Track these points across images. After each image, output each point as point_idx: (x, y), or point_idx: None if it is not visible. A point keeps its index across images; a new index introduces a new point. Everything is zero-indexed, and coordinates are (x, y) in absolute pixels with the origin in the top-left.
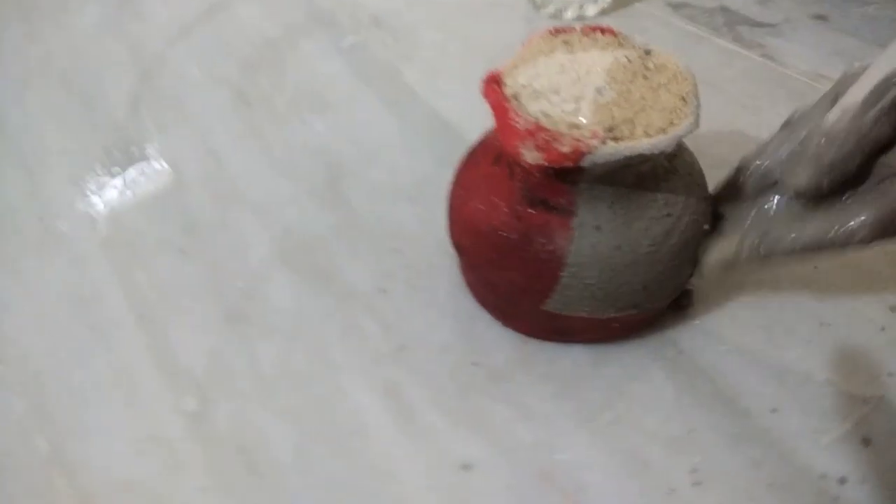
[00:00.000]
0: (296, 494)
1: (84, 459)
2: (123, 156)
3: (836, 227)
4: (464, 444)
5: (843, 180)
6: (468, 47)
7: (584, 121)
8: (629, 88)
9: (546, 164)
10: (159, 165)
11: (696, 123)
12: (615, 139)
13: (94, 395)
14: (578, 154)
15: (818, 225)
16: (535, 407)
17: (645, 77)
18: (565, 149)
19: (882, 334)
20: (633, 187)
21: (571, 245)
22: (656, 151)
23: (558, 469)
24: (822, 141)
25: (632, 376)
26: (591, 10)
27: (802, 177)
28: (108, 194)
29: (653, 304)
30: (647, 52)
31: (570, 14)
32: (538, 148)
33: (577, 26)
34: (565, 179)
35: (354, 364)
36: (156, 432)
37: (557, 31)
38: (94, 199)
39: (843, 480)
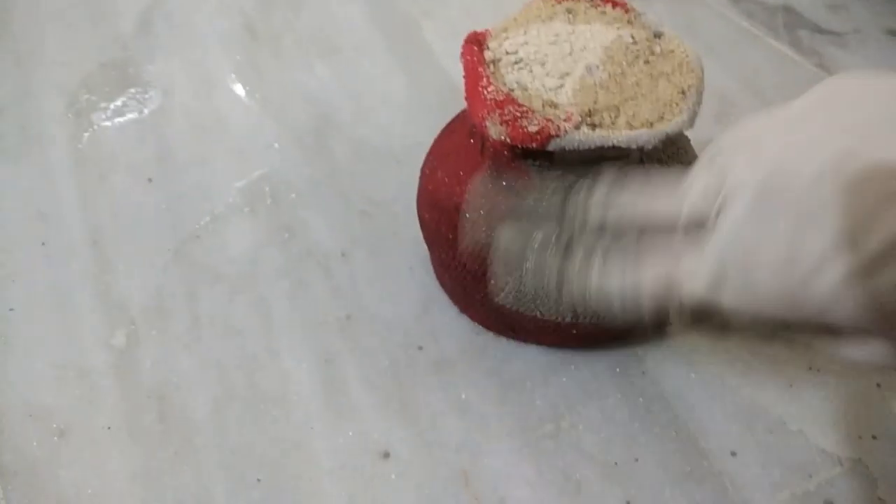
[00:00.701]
0: (201, 453)
1: (3, 377)
2: (119, 74)
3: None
4: (388, 431)
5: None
6: (497, 11)
7: (563, 101)
8: (625, 72)
9: (510, 142)
10: (151, 89)
11: (690, 122)
12: (592, 126)
13: (27, 310)
14: (545, 136)
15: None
16: (472, 404)
17: (647, 62)
18: (532, 128)
19: (876, 391)
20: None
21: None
22: (633, 146)
23: (480, 475)
24: None
25: (585, 390)
26: None
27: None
28: (93, 111)
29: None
30: (657, 35)
31: None
32: (504, 122)
33: None
34: (535, 163)
35: (295, 326)
36: (79, 362)
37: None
38: (79, 113)
39: None
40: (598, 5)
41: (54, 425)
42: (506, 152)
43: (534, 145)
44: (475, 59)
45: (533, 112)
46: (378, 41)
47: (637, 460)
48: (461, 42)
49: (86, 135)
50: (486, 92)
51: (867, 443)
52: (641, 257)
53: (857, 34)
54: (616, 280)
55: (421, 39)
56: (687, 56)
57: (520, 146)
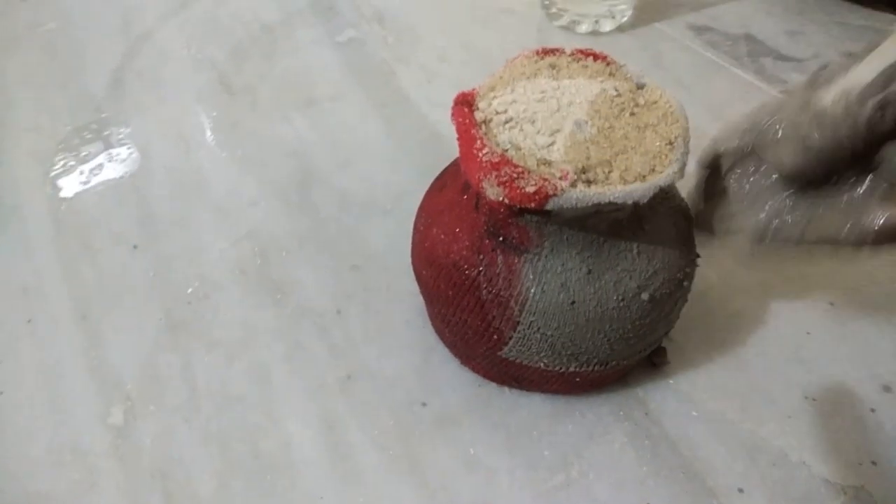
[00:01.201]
0: None
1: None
2: (94, 137)
3: (849, 225)
4: (398, 496)
5: (840, 168)
6: (470, 55)
7: (557, 158)
8: (612, 125)
9: (508, 202)
10: (128, 150)
11: (681, 173)
12: (587, 182)
13: (18, 393)
14: (543, 196)
15: (831, 219)
16: (481, 458)
17: (632, 114)
18: (530, 188)
19: (871, 416)
20: (607, 235)
21: (533, 291)
22: (629, 201)
23: None
24: (813, 122)
25: (591, 435)
26: (607, 26)
27: (787, 158)
28: (70, 177)
29: (619, 363)
30: (640, 87)
31: (584, 28)
32: (501, 184)
33: (568, 49)
34: (532, 219)
35: (295, 390)
36: (77, 444)
37: (545, 52)
38: (55, 179)
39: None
40: (580, 59)
41: None
42: (502, 209)
43: (532, 206)
44: (467, 120)
45: (529, 172)
46: (354, 89)
47: None
48: (435, 87)
49: (64, 202)
50: (480, 154)
51: (867, 469)
52: None
53: (817, 58)
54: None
55: (396, 86)
56: (671, 106)
57: (519, 207)
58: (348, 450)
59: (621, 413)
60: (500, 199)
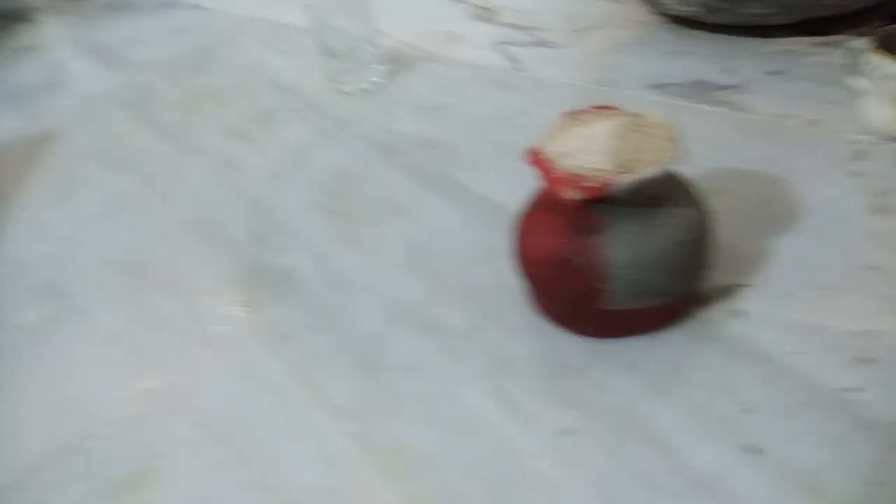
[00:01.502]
0: (446, 476)
1: (285, 480)
2: (252, 272)
3: None
4: (562, 418)
5: None
6: (502, 149)
7: (603, 165)
8: (628, 139)
9: (583, 198)
10: (281, 273)
11: (680, 155)
12: (626, 172)
13: (279, 436)
14: (603, 187)
15: None
16: (611, 384)
17: (639, 132)
18: (593, 185)
19: (866, 287)
20: (647, 205)
21: (611, 255)
22: (655, 175)
23: (643, 427)
24: None
25: (681, 351)
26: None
27: None
28: (248, 302)
29: (680, 291)
30: (638, 116)
31: (365, 84)
32: (575, 187)
33: (584, 110)
34: (597, 209)
35: (469, 379)
36: (330, 450)
37: (573, 114)
38: (239, 308)
39: (859, 389)
40: (596, 111)
41: (340, 496)
42: (577, 207)
43: (599, 194)
44: (540, 159)
45: (590, 176)
46: (430, 196)
47: (735, 379)
48: (482, 173)
49: (254, 318)
50: (557, 174)
51: (875, 318)
52: None
53: (750, 81)
54: None
55: (453, 181)
56: (660, 121)
57: (588, 200)
58: (517, 404)
59: (696, 332)
60: (577, 196)
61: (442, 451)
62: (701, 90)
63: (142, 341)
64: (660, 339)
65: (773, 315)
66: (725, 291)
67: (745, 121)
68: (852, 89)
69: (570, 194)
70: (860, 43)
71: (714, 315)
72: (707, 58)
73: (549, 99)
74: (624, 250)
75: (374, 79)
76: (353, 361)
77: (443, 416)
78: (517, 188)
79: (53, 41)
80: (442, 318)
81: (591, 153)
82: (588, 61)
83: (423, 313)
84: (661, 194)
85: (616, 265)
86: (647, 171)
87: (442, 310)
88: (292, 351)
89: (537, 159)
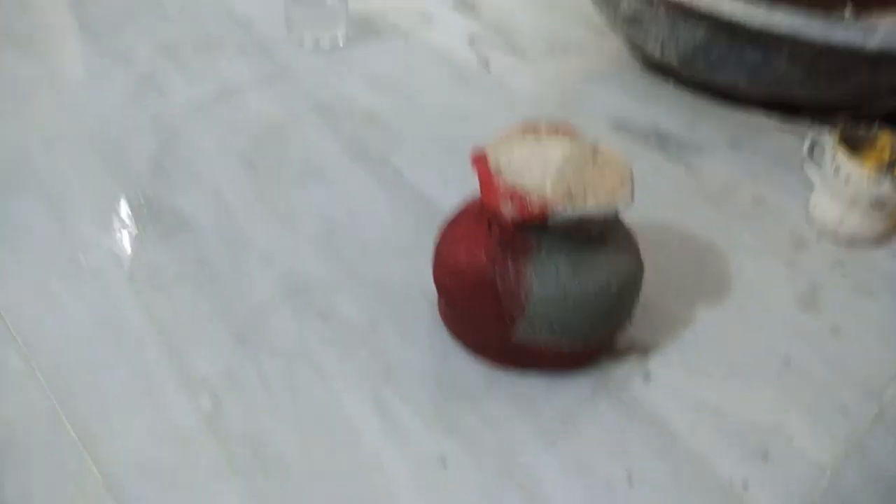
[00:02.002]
0: (299, 483)
1: (109, 446)
2: (145, 206)
3: None
4: (440, 446)
5: None
6: (448, 146)
7: (549, 190)
8: (582, 170)
9: (520, 218)
10: (177, 216)
11: (632, 199)
12: (571, 203)
13: (118, 394)
14: (545, 212)
15: None
16: (499, 419)
17: (594, 165)
18: (535, 207)
19: (778, 379)
20: (584, 243)
21: (535, 284)
22: (601, 213)
23: (518, 468)
24: None
25: (578, 400)
26: (340, 41)
27: None
28: (131, 237)
29: (595, 338)
30: (595, 149)
31: (326, 45)
32: (514, 206)
33: (543, 125)
34: (532, 233)
35: (349, 381)
36: (175, 425)
37: (527, 127)
38: (118, 240)
39: (745, 485)
40: (552, 131)
41: (168, 476)
42: (510, 227)
43: (539, 220)
44: (486, 167)
45: (532, 197)
46: (357, 171)
47: (626, 443)
48: (424, 168)
49: (130, 257)
50: (499, 187)
51: (781, 412)
52: None
53: (709, 145)
54: None
55: (391, 167)
56: (618, 159)
57: (525, 222)
58: (396, 419)
59: (598, 384)
60: (515, 216)
61: (299, 455)
62: (660, 141)
63: None
64: (562, 382)
65: (680, 386)
66: (639, 350)
67: (696, 182)
68: (807, 178)
69: (508, 211)
70: (823, 134)
71: (622, 371)
72: (673, 111)
73: (509, 108)
74: (548, 283)
75: (335, 39)
76: (228, 332)
77: (311, 416)
78: (453, 188)
79: None
80: (338, 307)
81: (541, 174)
82: (556, 83)
83: (320, 297)
84: (600, 235)
85: (536, 297)
86: (593, 207)
87: (341, 298)
88: (163, 304)
89: (482, 164)
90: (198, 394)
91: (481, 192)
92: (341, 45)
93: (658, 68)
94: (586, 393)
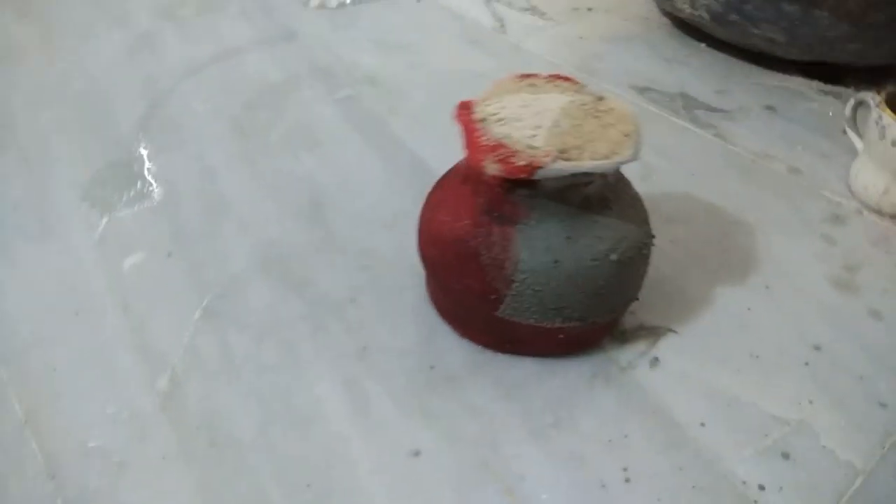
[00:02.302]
0: (254, 468)
1: (56, 426)
2: (124, 169)
3: None
4: (414, 434)
5: None
6: (449, 109)
7: (540, 144)
8: (581, 124)
9: (505, 175)
10: (157, 180)
11: (636, 156)
12: (565, 159)
13: (71, 369)
14: (532, 168)
15: None
16: (483, 407)
17: (596, 117)
18: (521, 163)
19: (804, 368)
20: (582, 208)
21: (523, 254)
22: (598, 171)
23: (499, 460)
24: None
25: (574, 387)
26: (333, 3)
27: None
28: (107, 202)
29: (595, 318)
30: (600, 98)
31: (333, 3)
32: (499, 161)
33: (542, 73)
34: (521, 195)
35: (320, 360)
36: (127, 406)
37: (524, 77)
38: (93, 204)
39: (762, 487)
40: (552, 80)
41: (112, 461)
42: (497, 188)
43: (524, 176)
44: (469, 118)
45: (519, 151)
46: (353, 134)
47: (626, 436)
48: (424, 132)
49: (103, 221)
50: (481, 140)
51: (806, 406)
52: None
53: (741, 110)
54: None
55: (389, 132)
56: (625, 111)
57: (512, 179)
58: (369, 403)
59: (597, 369)
60: (499, 173)
61: (257, 441)
62: (687, 105)
63: None
64: (558, 366)
65: (691, 374)
66: (646, 333)
67: (725, 151)
68: (848, 146)
69: (491, 168)
70: (867, 97)
71: (625, 356)
72: (704, 73)
73: (523, 70)
74: (537, 253)
75: None
76: (196, 305)
77: (275, 397)
78: (457, 156)
79: None
80: (317, 279)
81: (531, 126)
82: (576, 44)
83: (298, 268)
84: (600, 199)
85: (524, 269)
86: (589, 164)
87: (321, 270)
88: (131, 273)
89: (465, 117)
90: (156, 372)
91: (463, 146)
92: (348, 2)
93: (689, 29)
94: (584, 379)
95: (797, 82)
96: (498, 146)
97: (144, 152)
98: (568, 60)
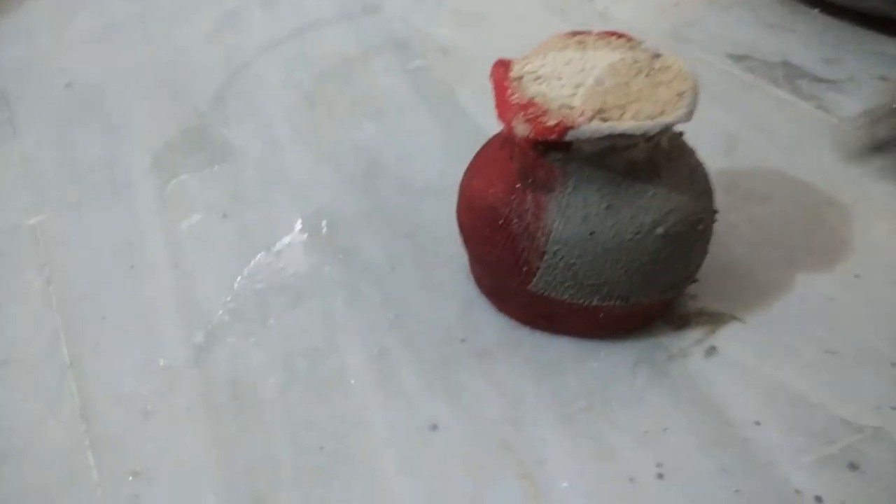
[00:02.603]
0: (269, 426)
1: (96, 371)
2: (195, 137)
3: None
4: (435, 408)
5: None
6: None
7: (578, 103)
8: (628, 82)
9: (533, 136)
10: (223, 147)
11: (688, 116)
12: (603, 120)
13: (118, 320)
14: (563, 128)
15: None
16: (511, 385)
17: (647, 75)
18: (552, 122)
19: (891, 369)
20: (625, 175)
21: (557, 223)
22: (638, 133)
23: (521, 442)
24: None
25: (614, 372)
26: None
27: None
28: (175, 166)
29: (639, 300)
30: (656, 56)
31: None
32: (528, 120)
33: (595, 31)
34: (556, 159)
35: (352, 326)
36: (164, 357)
37: (574, 34)
38: (163, 168)
39: (818, 499)
40: (604, 37)
41: (139, 408)
42: (531, 151)
43: (553, 137)
44: (502, 75)
45: (550, 111)
46: (418, 104)
47: (666, 430)
48: (490, 103)
49: (169, 184)
50: (511, 98)
51: (887, 412)
52: None
53: (852, 81)
54: None
55: (454, 102)
56: (682, 69)
57: (542, 141)
58: (394, 372)
59: (644, 355)
60: (528, 134)
61: (279, 400)
62: (789, 75)
63: (43, 168)
64: (600, 348)
65: (751, 367)
66: (706, 319)
67: (829, 126)
68: None
69: (521, 129)
70: None
71: (678, 342)
72: (810, 40)
73: None
74: (572, 223)
75: None
76: (243, 264)
77: (303, 360)
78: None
79: None
80: (361, 248)
81: (571, 85)
82: (670, 10)
83: (344, 236)
84: (648, 166)
85: (559, 240)
86: (627, 125)
87: (366, 238)
88: (186, 234)
89: (499, 75)
90: (194, 327)
91: (495, 105)
92: None
93: None
94: (626, 365)
95: None
96: (529, 105)
97: (215, 122)
98: (657, 27)
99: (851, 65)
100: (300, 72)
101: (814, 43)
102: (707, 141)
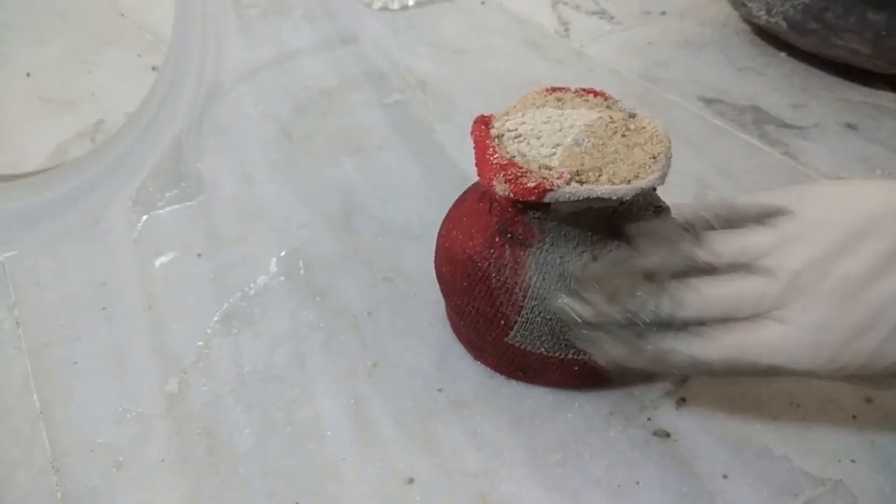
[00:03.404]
0: (245, 480)
1: (67, 420)
2: (171, 170)
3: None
4: (412, 461)
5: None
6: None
7: (556, 164)
8: (605, 143)
9: (513, 196)
10: (199, 181)
11: (661, 180)
12: (579, 182)
13: (90, 365)
14: (542, 190)
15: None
16: (488, 436)
17: (623, 135)
18: (531, 184)
19: (852, 422)
20: (602, 233)
21: (535, 279)
22: (614, 197)
23: (497, 498)
24: None
25: (588, 424)
26: (395, 5)
27: None
28: (149, 200)
29: None
30: (632, 116)
31: (395, 5)
32: (508, 181)
33: (572, 87)
34: (535, 216)
35: (328, 373)
36: (136, 405)
37: (553, 90)
38: (136, 202)
39: None
40: (582, 95)
41: (112, 459)
42: (510, 208)
43: (532, 198)
44: (483, 134)
45: (531, 172)
46: (397, 141)
47: (638, 483)
48: (469, 142)
49: (143, 220)
50: (492, 158)
51: (847, 465)
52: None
53: (818, 127)
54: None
55: (433, 139)
56: (657, 130)
57: (521, 200)
58: (370, 423)
59: (617, 407)
60: (507, 194)
61: (253, 452)
62: (757, 120)
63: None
64: (571, 399)
65: (719, 418)
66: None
67: (793, 171)
68: None
69: (501, 189)
70: None
71: (649, 394)
72: (779, 84)
73: (581, 77)
74: (550, 279)
75: (406, 0)
76: (216, 309)
77: (278, 409)
78: None
79: None
80: (338, 289)
81: (549, 145)
82: (644, 50)
83: (321, 278)
84: (622, 219)
85: (536, 296)
86: (603, 188)
87: (343, 279)
88: (161, 274)
89: (479, 132)
90: (168, 373)
91: (475, 163)
92: (410, 4)
93: (768, 37)
94: (600, 416)
95: (884, 97)
96: (509, 165)
97: (191, 154)
98: (631, 67)
99: (818, 111)
100: (277, 103)
101: (783, 86)
102: (678, 185)
